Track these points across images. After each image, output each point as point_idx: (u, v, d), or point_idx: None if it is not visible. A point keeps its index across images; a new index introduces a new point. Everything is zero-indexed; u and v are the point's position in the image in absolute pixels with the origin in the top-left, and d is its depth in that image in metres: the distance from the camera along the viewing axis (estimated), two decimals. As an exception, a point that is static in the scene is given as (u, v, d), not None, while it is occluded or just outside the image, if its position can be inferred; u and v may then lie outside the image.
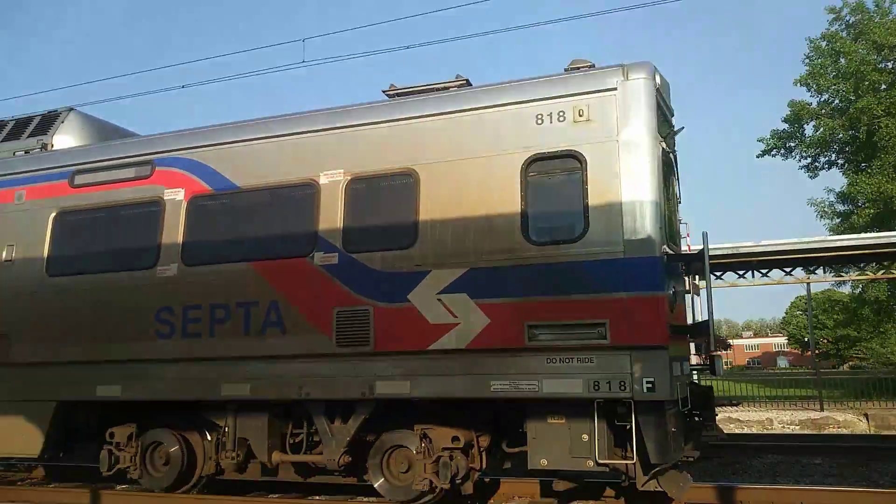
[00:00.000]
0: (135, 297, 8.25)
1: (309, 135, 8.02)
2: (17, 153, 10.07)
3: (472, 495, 7.63)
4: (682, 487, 6.71)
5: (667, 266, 6.56)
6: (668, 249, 6.70)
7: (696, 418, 7.35)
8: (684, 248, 7.93)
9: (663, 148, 7.07)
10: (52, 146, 9.87)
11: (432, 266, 7.01)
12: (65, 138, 10.05)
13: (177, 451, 8.23)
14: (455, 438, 6.97)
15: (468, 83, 7.97)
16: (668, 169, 7.32)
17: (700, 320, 7.47)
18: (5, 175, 9.51)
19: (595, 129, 6.78)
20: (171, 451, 8.25)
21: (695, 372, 7.85)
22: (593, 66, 7.26)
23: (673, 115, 7.78)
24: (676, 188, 7.99)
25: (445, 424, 7.14)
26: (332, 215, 7.53)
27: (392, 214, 7.44)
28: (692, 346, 7.63)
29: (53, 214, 8.93)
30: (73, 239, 8.90)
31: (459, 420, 7.21)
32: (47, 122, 10.43)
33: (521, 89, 7.33)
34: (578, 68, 7.26)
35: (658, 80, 7.08)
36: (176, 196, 8.35)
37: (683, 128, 7.76)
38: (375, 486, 7.39)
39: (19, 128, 10.53)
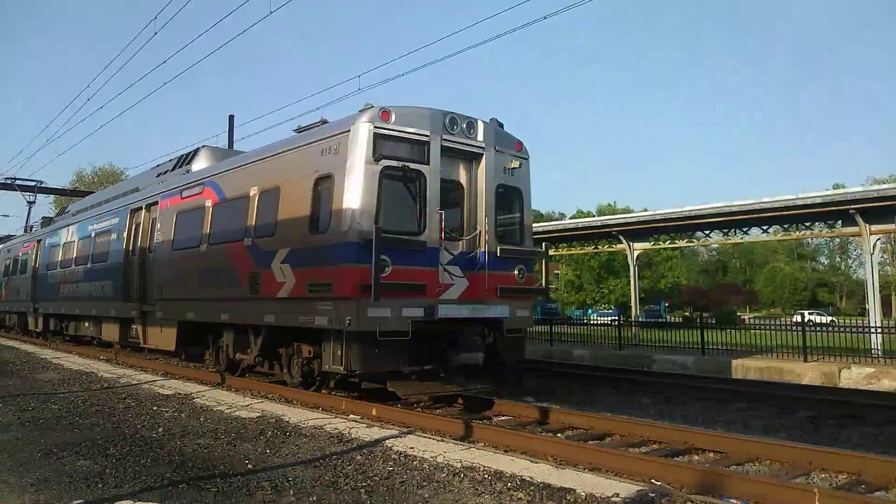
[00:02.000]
0: (194, 262, 14.32)
1: (248, 165, 13.31)
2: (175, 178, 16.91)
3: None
4: (406, 390, 10.42)
5: (364, 247, 9.40)
6: (366, 236, 9.44)
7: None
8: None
9: (405, 167, 10.06)
10: (191, 171, 16.28)
11: (278, 247, 11.45)
12: (199, 165, 16.30)
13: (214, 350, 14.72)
14: (308, 351, 11.49)
15: (325, 121, 11.79)
16: (410, 181, 10.25)
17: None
18: (159, 192, 16.72)
19: (340, 158, 10.12)
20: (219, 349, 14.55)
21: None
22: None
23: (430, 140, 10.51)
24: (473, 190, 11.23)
25: (304, 342, 11.61)
26: (251, 215, 12.39)
27: (270, 215, 11.73)
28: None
29: (175, 214, 15.59)
30: (180, 228, 15.29)
31: (309, 339, 11.50)
32: (189, 156, 17.16)
33: (319, 132, 11.15)
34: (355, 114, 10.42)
35: (394, 117, 10.09)
36: (207, 203, 14.27)
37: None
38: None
39: (179, 161, 17.59)
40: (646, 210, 33.27)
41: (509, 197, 11.73)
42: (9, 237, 36.37)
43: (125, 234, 17.88)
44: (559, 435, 9.48)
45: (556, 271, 63.67)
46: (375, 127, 9.98)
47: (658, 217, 24.56)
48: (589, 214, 70.87)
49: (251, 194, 12.48)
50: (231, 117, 33.16)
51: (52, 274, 23.85)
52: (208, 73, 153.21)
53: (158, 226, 16.18)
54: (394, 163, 10.07)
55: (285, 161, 11.86)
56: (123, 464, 6.23)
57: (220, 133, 48.03)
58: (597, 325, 29.30)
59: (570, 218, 68.03)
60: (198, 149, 17.02)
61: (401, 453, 6.55)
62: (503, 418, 10.67)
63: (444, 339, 10.51)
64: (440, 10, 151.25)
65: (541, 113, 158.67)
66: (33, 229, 31.08)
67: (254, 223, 12.24)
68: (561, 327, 26.30)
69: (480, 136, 11.20)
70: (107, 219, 19.77)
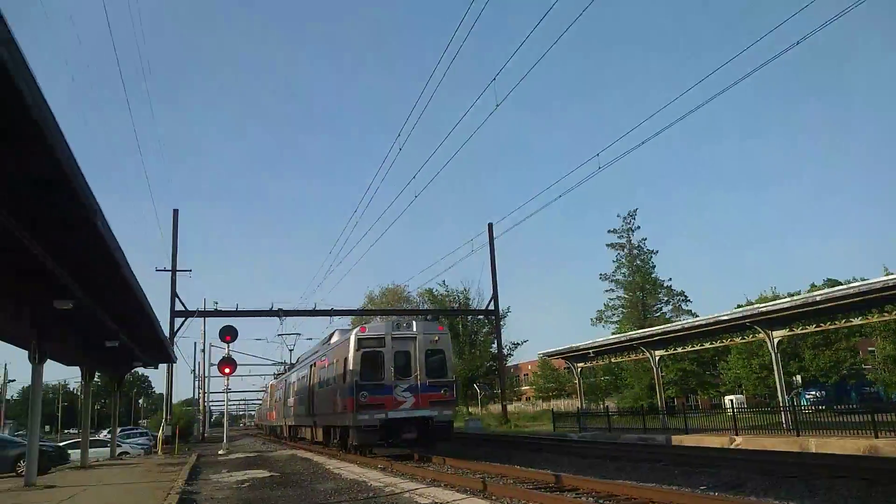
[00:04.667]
0: (324, 394, 24.73)
1: (332, 347, 24.30)
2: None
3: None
4: (381, 452, 20.21)
5: (356, 388, 19.50)
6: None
7: None
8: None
9: (373, 350, 19.96)
10: (328, 344, 26.20)
11: (338, 387, 22.20)
12: (333, 340, 25.10)
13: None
14: (343, 433, 21.56)
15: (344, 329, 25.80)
16: (376, 356, 19.96)
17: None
18: (315, 356, 28.63)
19: (347, 349, 20.53)
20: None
21: None
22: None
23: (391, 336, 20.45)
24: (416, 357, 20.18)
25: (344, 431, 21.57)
26: (333, 372, 23.03)
27: (336, 372, 22.24)
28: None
29: (320, 369, 26.02)
30: (320, 376, 25.84)
31: (344, 430, 21.78)
32: (330, 337, 26.87)
33: (342, 335, 23.86)
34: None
35: (367, 330, 20.62)
36: (324, 364, 24.85)
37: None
38: None
39: (328, 338, 27.11)
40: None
41: (435, 354, 20.49)
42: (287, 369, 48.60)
43: (307, 377, 28.97)
44: None
45: (870, 348, 54.74)
46: (357, 336, 20.34)
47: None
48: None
49: (332, 361, 23.37)
50: (490, 225, 52.11)
51: (293, 397, 35.01)
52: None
53: (308, 375, 28.70)
54: (367, 349, 20.05)
55: (336, 346, 23.23)
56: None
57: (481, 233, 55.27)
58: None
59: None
60: (332, 333, 26.74)
61: None
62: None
63: (397, 428, 19.39)
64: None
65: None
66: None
67: (329, 376, 23.68)
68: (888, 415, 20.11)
69: (415, 329, 20.52)
70: (301, 369, 32.70)
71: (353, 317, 67.06)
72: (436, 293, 69.18)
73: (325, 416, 24.23)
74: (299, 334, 63.69)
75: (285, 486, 13.57)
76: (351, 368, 19.69)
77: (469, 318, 67.72)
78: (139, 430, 52.23)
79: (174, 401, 49.71)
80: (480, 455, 21.66)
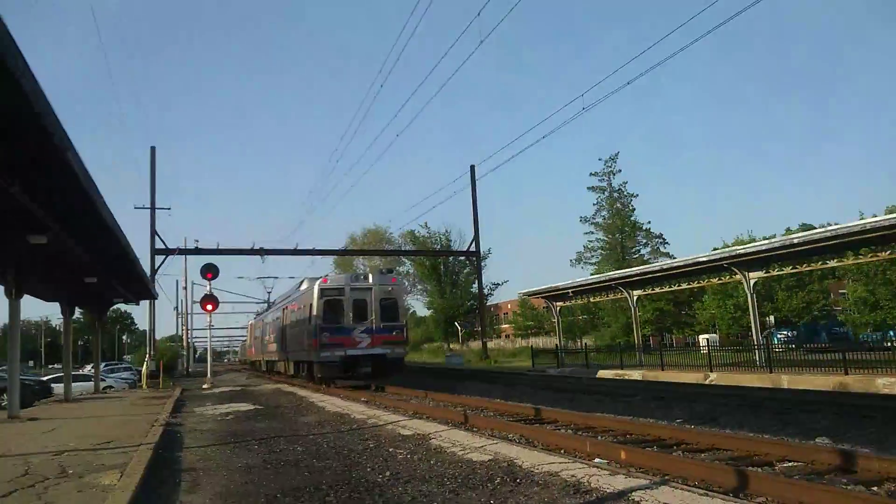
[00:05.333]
0: (293, 332, 28.01)
1: (300, 293, 27.61)
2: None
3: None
4: (341, 384, 23.80)
5: (319, 330, 23.03)
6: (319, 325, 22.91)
7: None
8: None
9: (334, 298, 23.19)
10: (299, 290, 28.90)
11: (304, 328, 24.83)
12: (302, 287, 27.97)
13: None
14: (310, 367, 24.79)
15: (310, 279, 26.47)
16: (336, 303, 23.18)
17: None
18: (286, 300, 32.26)
19: (311, 296, 23.59)
20: None
21: None
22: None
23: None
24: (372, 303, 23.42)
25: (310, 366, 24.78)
26: (300, 314, 26.28)
27: (303, 314, 25.57)
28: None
29: (290, 311, 29.02)
30: (290, 317, 29.10)
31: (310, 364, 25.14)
32: (300, 284, 29.52)
33: (309, 283, 25.37)
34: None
35: (328, 281, 23.78)
36: (293, 308, 28.25)
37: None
38: None
39: (299, 285, 29.52)
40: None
41: (388, 302, 23.71)
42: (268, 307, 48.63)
43: (280, 319, 32.44)
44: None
45: (842, 290, 56.22)
46: (320, 286, 23.35)
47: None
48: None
49: (304, 304, 25.44)
50: (472, 167, 52.27)
51: (269, 336, 38.65)
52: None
53: (281, 317, 32.35)
54: (329, 297, 23.23)
55: (303, 293, 26.29)
56: (335, 515, 5.99)
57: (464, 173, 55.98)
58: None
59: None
60: (301, 281, 29.37)
61: (650, 510, 5.64)
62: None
63: (355, 364, 22.77)
64: None
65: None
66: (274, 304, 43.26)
67: (297, 318, 26.60)
68: (858, 354, 21.54)
69: (370, 280, 24.00)
70: (275, 311, 36.13)
71: (335, 257, 67.47)
72: (417, 234, 69.17)
73: (295, 352, 27.44)
74: (276, 277, 65.63)
75: (270, 419, 13.77)
76: (315, 314, 22.96)
77: (451, 259, 68.04)
78: (123, 365, 52.53)
79: (157, 337, 49.78)
80: (448, 387, 22.61)
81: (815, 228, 38.71)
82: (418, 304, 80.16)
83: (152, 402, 19.74)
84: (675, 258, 46.78)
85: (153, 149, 45.24)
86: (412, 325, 70.57)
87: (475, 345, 60.65)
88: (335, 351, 22.21)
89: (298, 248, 47.50)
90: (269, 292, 55.98)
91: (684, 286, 33.96)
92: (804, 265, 26.60)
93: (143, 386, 30.70)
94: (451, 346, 67.35)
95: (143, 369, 32.81)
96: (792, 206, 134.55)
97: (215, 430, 12.39)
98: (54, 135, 7.37)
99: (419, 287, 74.53)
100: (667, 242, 61.41)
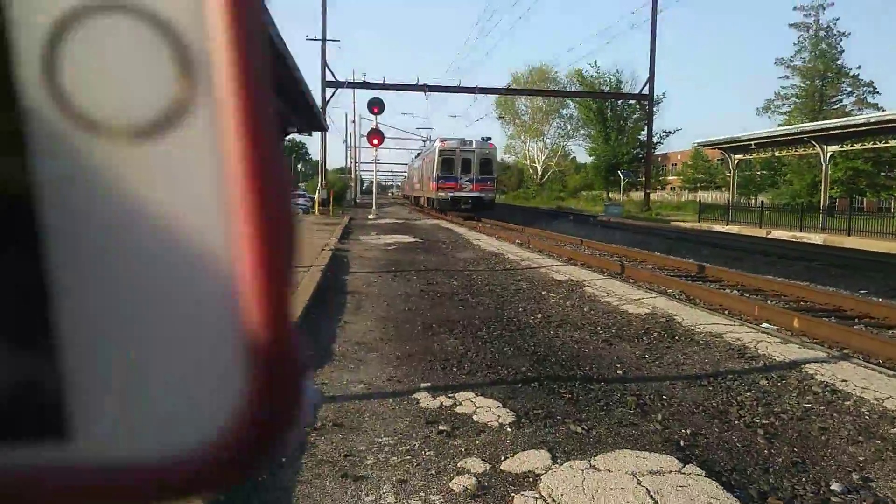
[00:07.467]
0: (422, 176, 42.31)
1: (433, 148, 37.37)
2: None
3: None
4: (451, 215, 33.43)
5: (438, 177, 35.04)
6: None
7: None
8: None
9: (450, 156, 34.86)
10: (428, 147, 44.21)
11: (429, 175, 36.61)
12: (433, 144, 39.49)
13: None
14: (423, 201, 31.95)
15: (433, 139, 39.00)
16: (450, 160, 34.62)
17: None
18: (423, 153, 44.78)
19: (434, 152, 37.12)
20: None
21: None
22: None
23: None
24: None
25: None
26: (430, 165, 37.61)
27: (428, 167, 38.66)
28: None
29: (422, 161, 42.92)
30: (420, 167, 44.55)
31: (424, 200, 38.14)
32: (433, 141, 39.37)
33: (431, 143, 42.54)
34: None
35: (446, 144, 35.49)
36: (427, 160, 38.51)
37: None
38: None
39: (430, 141, 41.61)
40: None
41: (486, 160, 34.41)
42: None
43: (420, 166, 44.33)
44: None
45: None
46: (439, 148, 34.65)
47: None
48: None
49: (430, 159, 36.46)
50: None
51: (415, 178, 51.04)
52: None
53: (421, 165, 43.71)
54: (445, 156, 34.17)
55: (430, 151, 38.62)
56: (486, 349, 6.04)
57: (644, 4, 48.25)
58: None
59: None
60: (436, 140, 37.47)
61: (827, 386, 5.11)
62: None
63: (460, 201, 33.60)
64: None
65: None
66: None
67: (427, 168, 38.61)
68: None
69: (473, 146, 34.35)
70: (418, 160, 49.35)
71: (497, 96, 66.13)
72: (586, 74, 65.42)
73: (425, 191, 39.64)
74: (431, 128, 73.56)
75: (428, 252, 14.35)
76: (435, 167, 33.96)
77: (619, 103, 64.06)
78: (299, 192, 57.31)
79: (328, 168, 53.19)
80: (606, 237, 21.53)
81: None
82: (580, 150, 77.99)
83: (324, 227, 21.32)
84: (884, 111, 40.77)
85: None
86: (572, 171, 69.43)
87: (636, 195, 58.51)
88: (448, 192, 33.54)
89: (462, 84, 46.94)
90: (423, 141, 66.05)
91: (892, 143, 29.55)
92: None
93: (316, 212, 33.27)
94: (612, 195, 65.54)
95: (316, 197, 35.41)
96: None
97: (378, 258, 13.15)
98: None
99: (582, 132, 71.89)
100: (877, 92, 53.37)
